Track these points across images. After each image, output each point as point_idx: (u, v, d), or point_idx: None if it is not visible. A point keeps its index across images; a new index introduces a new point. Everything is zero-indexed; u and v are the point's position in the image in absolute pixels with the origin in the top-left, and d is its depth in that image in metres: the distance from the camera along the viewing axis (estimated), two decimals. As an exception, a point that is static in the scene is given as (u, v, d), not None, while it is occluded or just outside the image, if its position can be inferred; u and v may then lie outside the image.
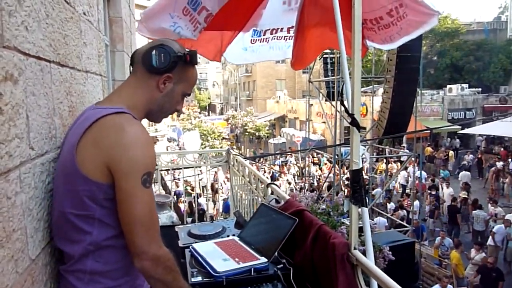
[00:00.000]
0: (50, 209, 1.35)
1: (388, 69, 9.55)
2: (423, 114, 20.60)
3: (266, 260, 1.78)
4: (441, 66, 32.07)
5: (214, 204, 12.90)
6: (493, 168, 16.09)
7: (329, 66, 13.22)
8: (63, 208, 1.26)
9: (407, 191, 14.20)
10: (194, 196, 9.08)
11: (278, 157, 20.70)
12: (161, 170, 5.48)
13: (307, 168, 15.46)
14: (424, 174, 13.92)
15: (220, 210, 11.52)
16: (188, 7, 2.49)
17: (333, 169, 11.79)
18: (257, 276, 1.72)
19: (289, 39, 3.14)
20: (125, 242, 1.25)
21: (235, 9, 2.66)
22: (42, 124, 1.29)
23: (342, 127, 11.74)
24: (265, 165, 18.49)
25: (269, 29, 3.09)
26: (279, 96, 34.17)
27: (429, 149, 20.08)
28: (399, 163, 16.49)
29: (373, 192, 12.66)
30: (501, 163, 16.84)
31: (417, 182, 11.80)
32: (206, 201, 12.25)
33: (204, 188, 14.21)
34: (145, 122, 1.47)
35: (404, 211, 11.66)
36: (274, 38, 3.15)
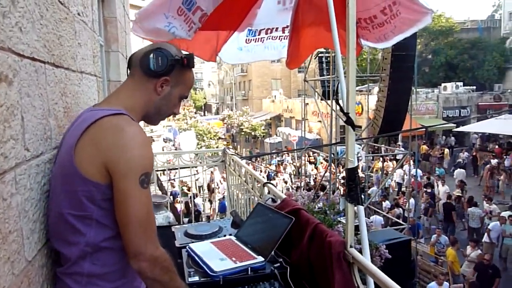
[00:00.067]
0: (46, 210, 1.34)
1: (383, 68, 9.58)
2: (418, 112, 20.71)
3: (263, 259, 1.78)
4: (436, 65, 32.22)
5: (211, 204, 12.90)
6: (488, 166, 16.18)
7: (324, 65, 13.24)
8: (60, 209, 1.26)
9: (403, 189, 14.25)
10: (190, 196, 9.08)
11: (274, 156, 20.71)
12: (157, 170, 5.48)
13: (303, 167, 15.47)
14: (419, 172, 13.98)
15: (217, 210, 11.52)
16: (183, 7, 2.49)
17: (329, 168, 11.81)
18: (254, 275, 1.73)
19: (284, 39, 3.15)
20: (122, 244, 1.25)
21: (229, 9, 2.66)
22: (37, 125, 1.29)
23: (338, 126, 11.75)
24: (261, 165, 18.50)
25: (264, 29, 3.09)
26: (275, 96, 34.20)
27: (425, 147, 20.16)
28: (394, 162, 16.55)
29: (369, 192, 12.70)
30: (496, 160, 16.94)
31: (412, 180, 11.85)
32: (203, 201, 12.26)
33: (201, 188, 14.20)
34: (141, 122, 1.48)
35: (400, 209, 11.71)
36: (269, 38, 3.16)
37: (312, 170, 18.12)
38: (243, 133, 30.75)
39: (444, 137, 23.79)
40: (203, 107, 58.30)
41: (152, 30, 2.56)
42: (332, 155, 11.31)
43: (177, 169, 5.35)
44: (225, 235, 2.15)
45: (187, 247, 1.96)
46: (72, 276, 1.28)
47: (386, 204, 12.43)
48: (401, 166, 14.26)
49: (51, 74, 1.45)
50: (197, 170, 5.86)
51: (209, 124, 29.70)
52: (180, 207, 9.39)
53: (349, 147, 1.61)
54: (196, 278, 1.69)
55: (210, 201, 13.05)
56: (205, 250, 1.88)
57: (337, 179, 11.77)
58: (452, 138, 23.22)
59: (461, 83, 26.90)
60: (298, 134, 21.03)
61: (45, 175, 1.36)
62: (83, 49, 2.03)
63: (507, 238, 9.71)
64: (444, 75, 31.48)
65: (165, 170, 5.57)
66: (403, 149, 15.71)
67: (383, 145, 15.14)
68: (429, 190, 13.21)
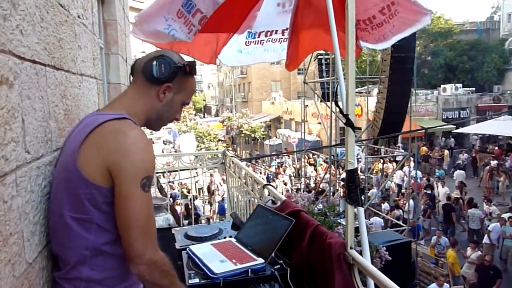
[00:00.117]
0: (47, 213, 1.35)
1: (383, 70, 9.59)
2: (418, 114, 20.70)
3: (263, 261, 1.78)
4: (435, 66, 32.27)
5: (211, 206, 12.90)
6: (487, 167, 16.18)
7: (323, 67, 13.27)
8: (62, 211, 1.27)
9: (403, 190, 14.25)
10: (190, 199, 9.07)
11: (274, 158, 20.70)
12: (157, 172, 5.47)
13: (303, 169, 15.47)
14: (419, 173, 13.98)
15: (217, 211, 11.50)
16: (182, 9, 2.49)
17: (328, 169, 11.81)
18: (254, 277, 1.73)
19: (283, 41, 3.15)
20: (122, 249, 1.25)
21: (229, 11, 2.66)
22: (38, 127, 1.29)
23: (338, 128, 11.76)
24: (261, 167, 18.49)
25: (263, 31, 3.09)
26: (274, 98, 34.20)
27: (424, 148, 20.17)
28: (394, 163, 16.55)
29: (369, 194, 12.69)
30: (496, 161, 16.94)
31: (412, 181, 11.85)
32: (203, 203, 12.24)
33: (201, 190, 14.20)
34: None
35: (400, 210, 11.71)
36: (269, 41, 3.16)
37: (312, 172, 18.12)
38: (242, 135, 30.73)
39: (443, 138, 23.80)
40: (202, 109, 58.31)
41: (152, 32, 2.57)
42: (332, 157, 11.32)
43: (177, 171, 5.36)
44: (225, 237, 2.16)
45: (187, 249, 1.96)
46: (71, 281, 1.28)
47: (385, 206, 12.43)
48: (401, 168, 14.27)
49: (52, 77, 1.46)
50: (197, 172, 5.86)
51: (208, 126, 29.69)
52: (180, 209, 9.39)
53: (349, 149, 1.62)
54: (197, 280, 1.70)
55: (210, 203, 13.05)
56: (205, 252, 1.89)
57: (337, 181, 11.77)
58: (452, 139, 23.23)
59: (461, 85, 26.94)
60: (298, 136, 21.01)
61: (45, 177, 1.37)
62: (83, 51, 2.03)
63: (507, 240, 9.70)
64: (444, 76, 31.53)
65: (165, 172, 5.57)
66: (402, 150, 15.71)
67: (382, 147, 15.16)
68: (429, 192, 13.21)
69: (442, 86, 26.40)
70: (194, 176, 6.02)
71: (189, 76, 1.47)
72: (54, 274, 1.33)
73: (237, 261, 1.78)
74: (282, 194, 2.98)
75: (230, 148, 27.77)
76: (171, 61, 1.40)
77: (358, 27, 2.64)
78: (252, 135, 30.49)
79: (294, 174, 18.22)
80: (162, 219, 3.66)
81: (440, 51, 32.14)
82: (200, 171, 5.70)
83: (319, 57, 13.16)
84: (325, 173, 13.33)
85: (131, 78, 1.47)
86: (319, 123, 20.12)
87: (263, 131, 31.04)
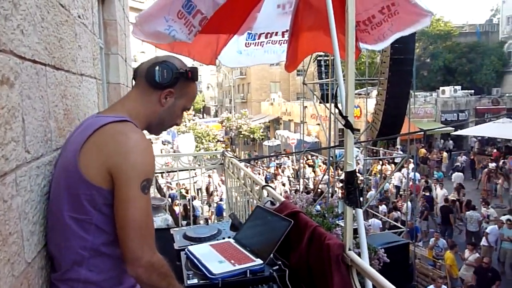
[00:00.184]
0: (46, 213, 1.35)
1: (382, 72, 9.61)
2: (417, 116, 20.71)
3: (261, 262, 1.78)
4: (434, 68, 32.31)
5: (209, 206, 12.90)
6: (486, 169, 16.20)
7: (323, 68, 13.29)
8: (61, 211, 1.27)
9: (401, 192, 14.26)
10: (188, 199, 9.06)
11: (273, 159, 20.71)
12: (156, 173, 5.47)
13: (302, 170, 15.47)
14: (418, 175, 13.99)
15: (215, 213, 11.49)
16: (183, 10, 2.50)
17: (327, 171, 11.82)
18: (253, 278, 1.73)
19: (283, 43, 3.16)
20: (119, 251, 1.25)
21: (229, 13, 2.67)
22: (38, 127, 1.30)
23: (337, 129, 11.78)
24: (260, 168, 18.49)
25: (263, 33, 3.10)
26: (274, 98, 34.22)
27: (423, 150, 20.19)
28: (393, 165, 16.57)
29: (367, 196, 12.70)
30: (494, 164, 16.97)
31: (411, 183, 11.86)
32: (201, 203, 12.24)
33: (199, 191, 14.19)
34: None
35: (398, 212, 11.71)
36: (269, 42, 3.16)
37: (310, 173, 18.13)
38: (241, 135, 30.73)
39: (442, 140, 23.83)
40: (202, 110, 58.28)
41: (152, 33, 2.57)
42: (330, 158, 11.32)
43: (175, 171, 5.36)
44: (224, 238, 2.16)
45: (186, 249, 1.96)
46: (68, 283, 1.28)
47: (382, 208, 12.43)
48: (400, 170, 14.28)
49: (52, 77, 1.46)
50: (195, 173, 5.86)
51: (207, 127, 29.68)
52: (178, 209, 9.38)
53: (348, 150, 1.62)
54: (195, 281, 1.70)
55: (209, 204, 13.05)
56: (204, 253, 1.89)
57: (336, 182, 11.78)
58: (450, 141, 23.27)
59: (459, 87, 26.97)
60: (297, 137, 21.06)
61: (45, 177, 1.37)
62: (83, 51, 2.04)
63: (505, 242, 9.71)
64: (443, 78, 31.57)
65: (163, 172, 5.57)
66: (401, 152, 15.73)
67: (381, 149, 15.18)
68: (427, 194, 13.22)
69: (441, 88, 26.42)
70: (193, 177, 6.02)
71: (190, 82, 1.49)
72: (51, 276, 1.33)
73: (236, 262, 1.78)
74: (281, 195, 2.98)
75: (229, 149, 27.79)
76: (173, 66, 1.42)
77: (358, 28, 2.64)
78: (251, 136, 30.49)
79: (293, 175, 18.22)
80: (161, 220, 3.66)
81: (439, 53, 32.19)
82: (199, 171, 5.70)
83: (318, 58, 13.18)
84: (324, 175, 13.33)
85: (134, 82, 1.49)
86: (318, 124, 20.14)
87: (262, 132, 31.04)
